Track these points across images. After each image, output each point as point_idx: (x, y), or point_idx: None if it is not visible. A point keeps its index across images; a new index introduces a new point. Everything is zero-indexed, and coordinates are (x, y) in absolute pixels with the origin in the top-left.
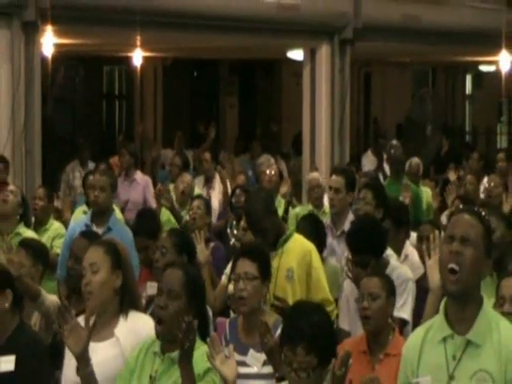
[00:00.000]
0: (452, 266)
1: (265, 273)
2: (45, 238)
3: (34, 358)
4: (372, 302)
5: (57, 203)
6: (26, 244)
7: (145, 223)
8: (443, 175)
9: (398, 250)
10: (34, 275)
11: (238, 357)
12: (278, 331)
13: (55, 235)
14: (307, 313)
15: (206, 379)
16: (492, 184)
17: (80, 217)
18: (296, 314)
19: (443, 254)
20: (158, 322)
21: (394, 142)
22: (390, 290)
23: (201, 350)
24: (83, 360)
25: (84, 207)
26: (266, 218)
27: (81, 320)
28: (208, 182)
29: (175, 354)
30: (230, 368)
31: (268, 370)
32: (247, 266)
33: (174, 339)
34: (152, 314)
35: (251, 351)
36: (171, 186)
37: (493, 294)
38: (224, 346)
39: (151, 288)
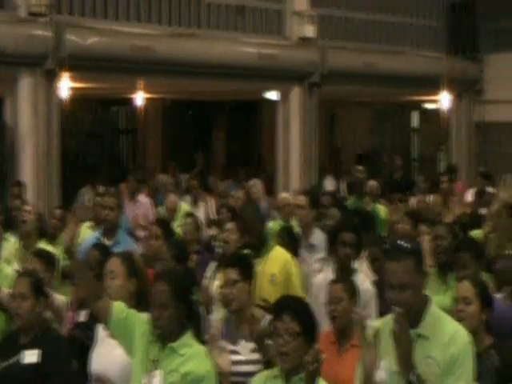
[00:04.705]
0: (397, 310)
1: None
2: (59, 250)
3: (57, 353)
4: (337, 305)
5: None
6: (38, 254)
7: None
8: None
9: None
10: (45, 279)
11: (231, 346)
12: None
13: None
14: (291, 296)
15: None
16: (434, 203)
17: (86, 231)
18: (283, 297)
19: (388, 299)
20: (154, 327)
21: (360, 167)
22: (352, 292)
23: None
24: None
25: (89, 223)
26: (258, 222)
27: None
28: (195, 203)
29: (176, 344)
30: (225, 360)
31: (255, 356)
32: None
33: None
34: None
35: (242, 341)
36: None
37: (438, 289)
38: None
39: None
